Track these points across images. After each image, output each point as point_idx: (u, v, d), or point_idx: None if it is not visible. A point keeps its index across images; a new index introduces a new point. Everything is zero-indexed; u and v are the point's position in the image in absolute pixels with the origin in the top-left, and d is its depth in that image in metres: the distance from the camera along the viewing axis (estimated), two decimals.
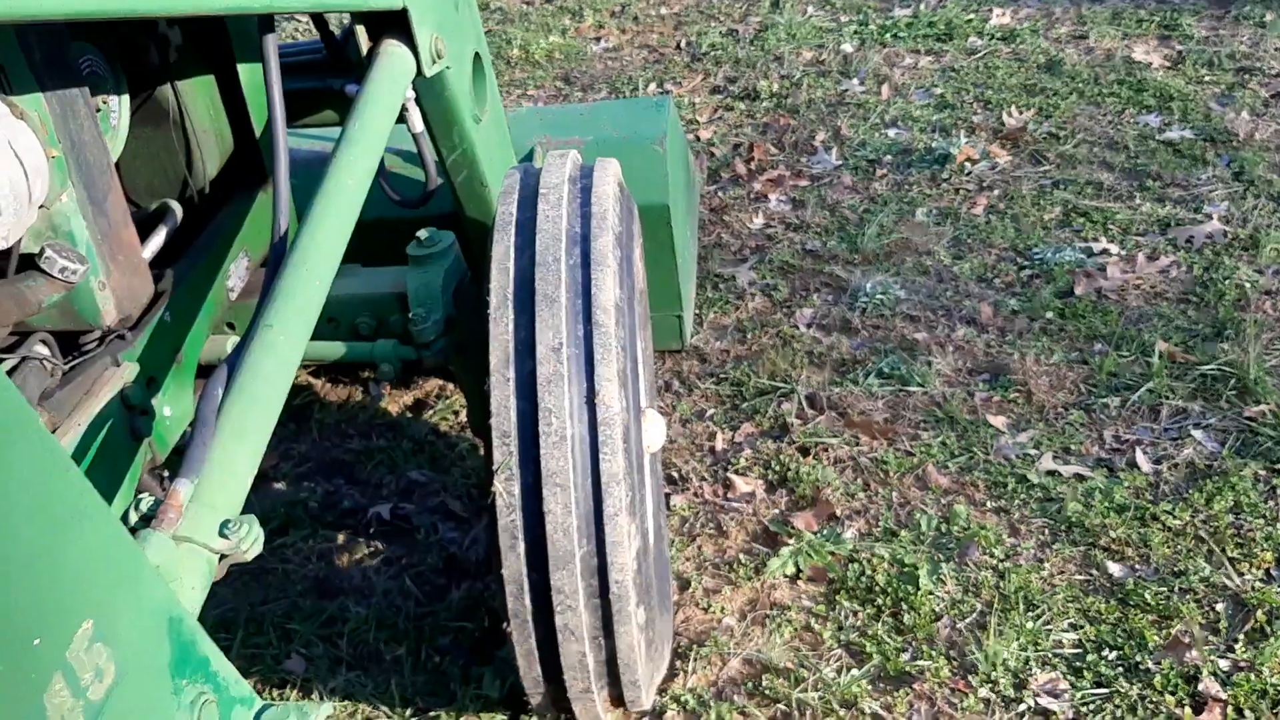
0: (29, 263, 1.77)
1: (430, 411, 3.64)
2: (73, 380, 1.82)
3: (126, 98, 2.11)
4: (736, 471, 3.23)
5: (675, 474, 3.26)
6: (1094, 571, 2.81)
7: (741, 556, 2.96)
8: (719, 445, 3.35)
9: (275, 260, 1.92)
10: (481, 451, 3.41)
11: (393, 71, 2.31)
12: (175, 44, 2.25)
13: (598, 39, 6.42)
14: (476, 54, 2.77)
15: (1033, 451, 3.17)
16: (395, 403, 3.71)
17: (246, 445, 1.64)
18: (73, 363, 1.86)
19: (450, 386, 3.74)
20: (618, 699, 2.29)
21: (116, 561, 1.27)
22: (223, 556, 1.54)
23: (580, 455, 2.07)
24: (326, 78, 2.68)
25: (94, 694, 1.19)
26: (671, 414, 3.49)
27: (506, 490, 2.08)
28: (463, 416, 3.61)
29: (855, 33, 5.96)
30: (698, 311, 3.91)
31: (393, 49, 2.33)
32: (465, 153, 2.76)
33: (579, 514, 2.06)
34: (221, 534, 1.52)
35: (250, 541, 1.55)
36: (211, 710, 1.42)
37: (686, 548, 3.02)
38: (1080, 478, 3.07)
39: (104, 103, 2.02)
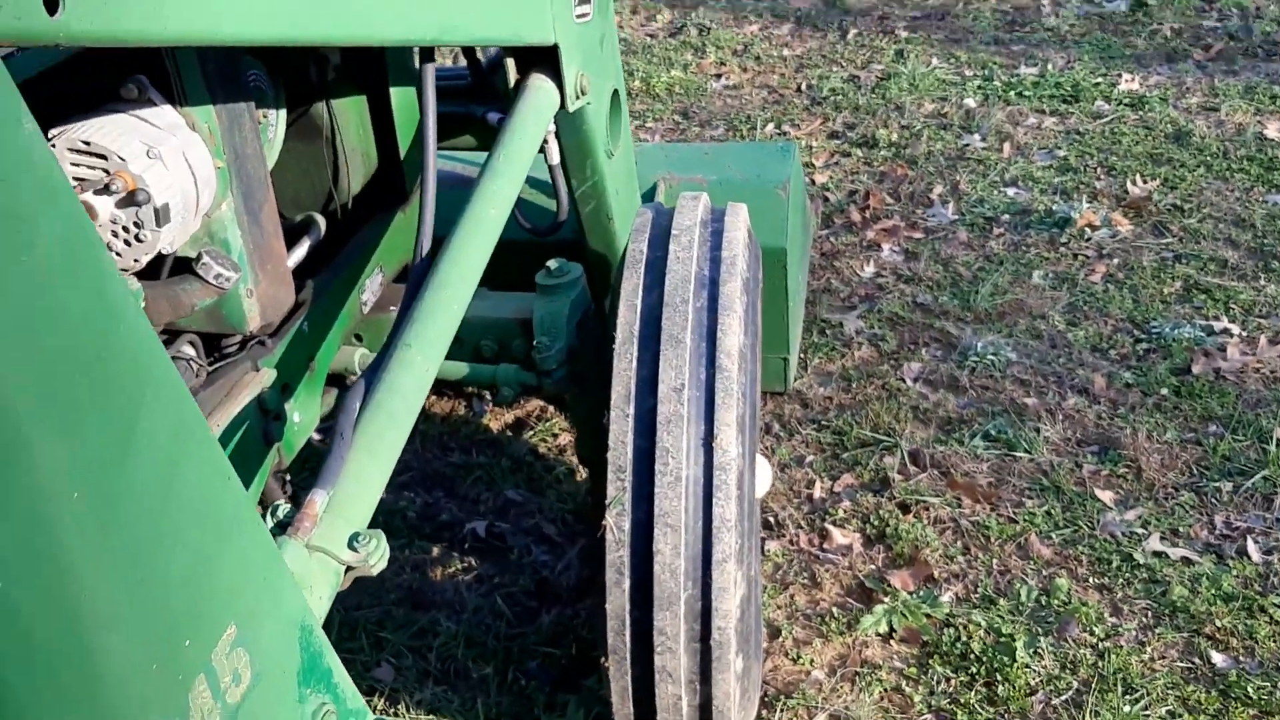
0: (183, 266, 1.83)
1: (530, 432, 3.67)
2: (214, 382, 1.88)
3: (284, 112, 2.17)
4: (834, 522, 3.20)
5: (771, 519, 3.24)
6: (1196, 659, 2.74)
7: (834, 610, 2.94)
8: (817, 494, 3.33)
9: (415, 281, 1.96)
10: (581, 477, 3.43)
11: (538, 105, 2.37)
12: (334, 64, 2.32)
13: (718, 76, 6.45)
14: (615, 91, 2.82)
15: (1140, 530, 3.10)
16: (497, 421, 3.75)
17: (379, 460, 1.68)
18: (216, 365, 1.91)
19: (551, 409, 3.76)
20: None
21: (263, 570, 1.30)
22: (349, 569, 1.57)
23: (694, 498, 2.08)
24: (469, 104, 2.74)
25: (231, 697, 1.22)
26: (770, 457, 3.48)
27: (617, 525, 2.09)
28: (561, 439, 3.63)
29: (979, 88, 5.92)
30: (802, 355, 3.90)
31: (540, 83, 2.39)
32: (596, 185, 2.81)
33: (687, 556, 2.06)
34: (351, 546, 1.55)
35: (378, 556, 1.57)
36: None
37: (778, 595, 3.00)
38: (1188, 561, 3.00)
39: (263, 117, 2.09)
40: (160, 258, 1.78)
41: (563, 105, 2.44)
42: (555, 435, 3.65)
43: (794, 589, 3.02)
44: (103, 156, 1.60)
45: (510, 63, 2.42)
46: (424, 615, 2.98)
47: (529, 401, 3.80)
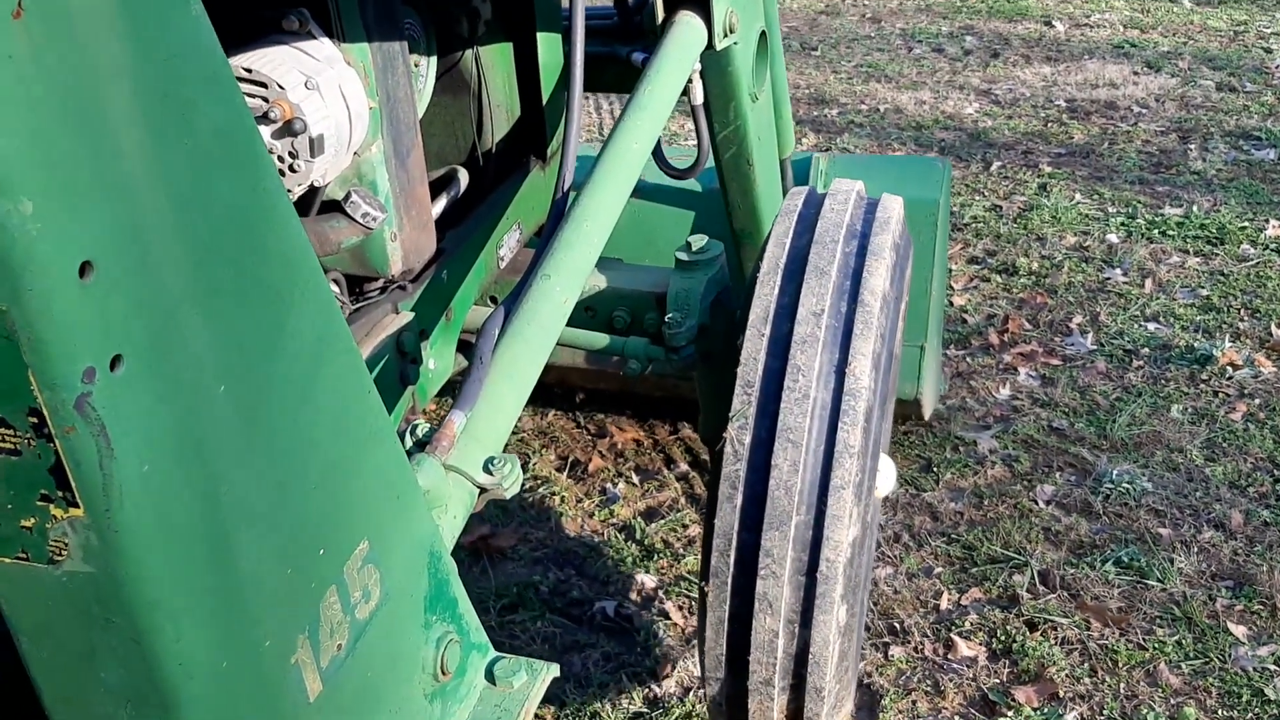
0: (331, 206, 1.87)
1: (661, 521, 3.76)
2: (356, 321, 1.91)
3: (435, 62, 2.20)
4: (960, 634, 3.22)
5: (896, 625, 3.27)
6: None
7: (956, 719, 2.94)
8: (944, 605, 3.34)
9: (557, 213, 1.97)
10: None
11: (685, 42, 2.35)
12: (484, 18, 2.33)
13: None
14: (763, 33, 2.78)
15: (1273, 667, 3.05)
16: (629, 507, 3.85)
17: (515, 386, 1.70)
18: (358, 305, 1.96)
19: (684, 499, 3.86)
20: (796, 712, 2.13)
21: (397, 490, 1.31)
22: (483, 491, 1.60)
23: (819, 419, 2.00)
24: (614, 44, 2.72)
25: (360, 613, 1.24)
26: (899, 565, 3.51)
27: (737, 438, 2.02)
28: (691, 530, 3.72)
29: (1122, 224, 5.95)
30: (935, 471, 3.93)
31: (688, 19, 2.37)
32: (738, 129, 2.78)
33: (805, 478, 1.97)
34: (486, 469, 1.58)
35: (511, 480, 1.60)
36: (454, 650, 1.47)
37: (900, 700, 3.01)
38: None
39: (415, 65, 2.11)
40: (312, 193, 1.82)
41: (710, 44, 2.41)
42: (685, 525, 3.74)
43: (916, 695, 3.03)
44: (263, 85, 1.64)
45: (659, 0, 2.40)
46: (552, 687, 3.05)
47: (661, 490, 3.90)
